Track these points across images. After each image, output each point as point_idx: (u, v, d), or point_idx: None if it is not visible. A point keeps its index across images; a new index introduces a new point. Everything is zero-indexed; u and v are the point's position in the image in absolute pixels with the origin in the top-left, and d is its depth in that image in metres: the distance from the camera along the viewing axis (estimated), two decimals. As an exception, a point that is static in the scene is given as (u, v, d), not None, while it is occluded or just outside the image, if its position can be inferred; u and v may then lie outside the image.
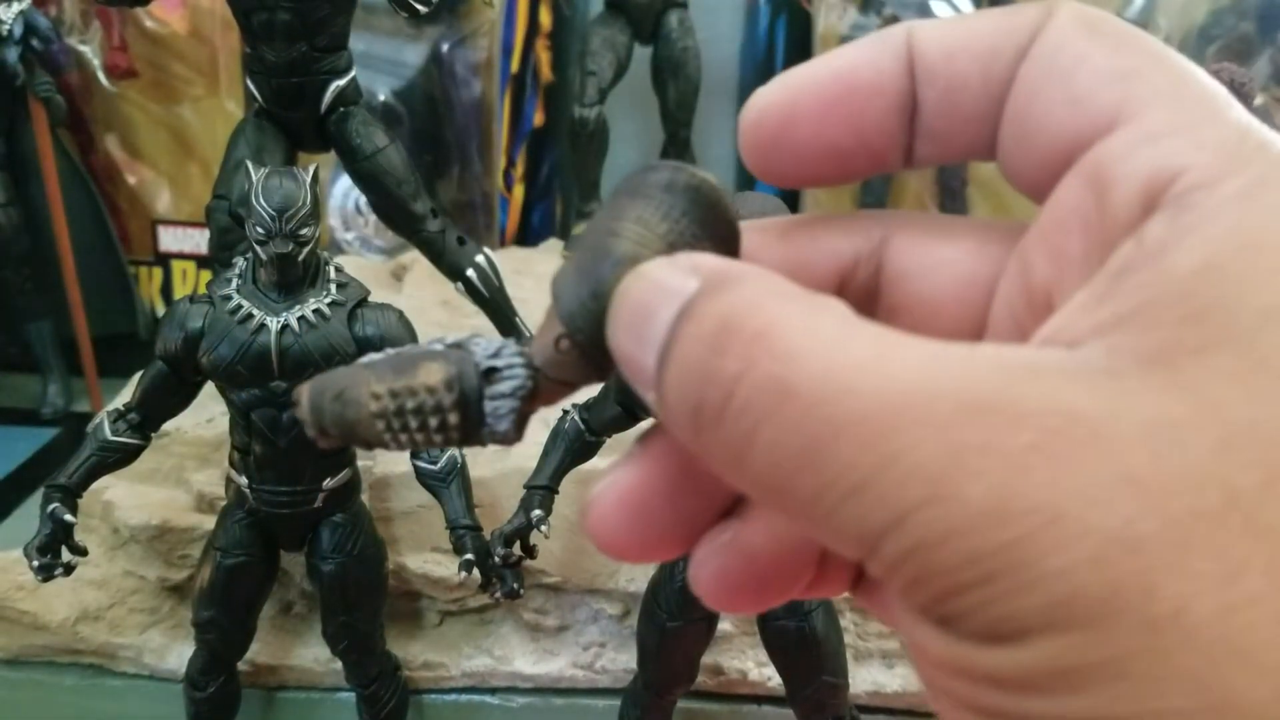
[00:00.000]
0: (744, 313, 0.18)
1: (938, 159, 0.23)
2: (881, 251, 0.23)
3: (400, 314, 0.75)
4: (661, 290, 0.19)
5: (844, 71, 0.22)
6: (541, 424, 0.93)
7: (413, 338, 0.76)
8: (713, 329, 0.18)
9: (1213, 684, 0.15)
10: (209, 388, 0.75)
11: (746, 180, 1.42)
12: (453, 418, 0.22)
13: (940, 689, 0.18)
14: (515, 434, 0.22)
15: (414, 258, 1.11)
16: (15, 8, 1.12)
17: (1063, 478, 0.16)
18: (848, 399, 0.17)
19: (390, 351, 0.22)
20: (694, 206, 0.22)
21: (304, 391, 0.22)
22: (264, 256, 0.70)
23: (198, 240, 1.25)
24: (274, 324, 0.71)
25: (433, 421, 0.22)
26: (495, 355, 0.22)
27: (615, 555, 0.23)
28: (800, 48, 1.32)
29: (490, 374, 0.22)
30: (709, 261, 0.20)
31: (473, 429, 0.22)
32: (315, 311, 0.71)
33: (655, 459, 0.22)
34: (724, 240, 0.22)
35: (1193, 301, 0.17)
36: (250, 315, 0.71)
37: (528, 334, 0.76)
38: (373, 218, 1.17)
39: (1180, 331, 0.17)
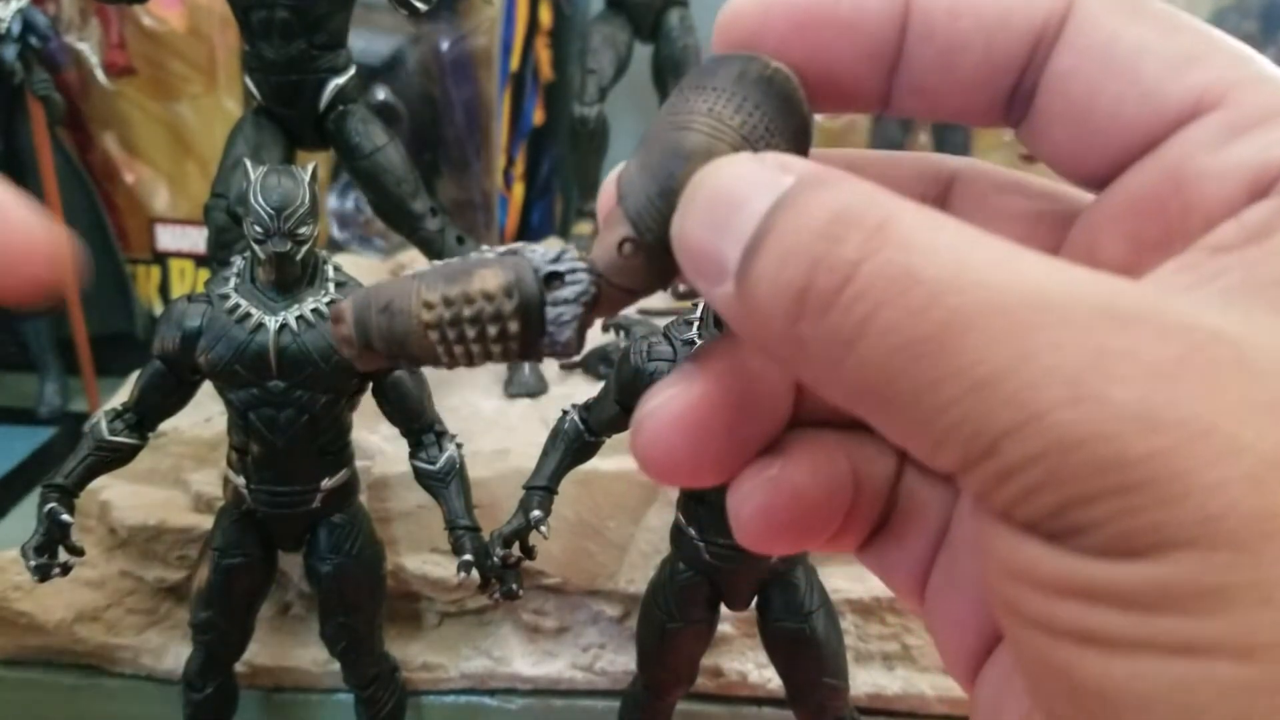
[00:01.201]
0: (863, 204, 0.17)
1: (920, 114, 0.22)
2: (946, 197, 0.23)
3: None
4: (751, 181, 0.19)
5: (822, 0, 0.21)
6: (541, 424, 0.92)
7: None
8: (826, 218, 0.17)
9: None
10: (207, 387, 0.75)
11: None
12: (513, 326, 0.21)
13: (1032, 618, 0.17)
14: (577, 344, 0.21)
15: (412, 256, 1.11)
16: (13, 5, 1.12)
17: (1214, 394, 0.15)
18: (981, 291, 0.16)
19: (438, 263, 0.21)
20: (768, 99, 0.21)
21: (346, 307, 0.21)
22: (262, 255, 0.70)
23: (195, 239, 1.24)
24: (272, 323, 0.70)
25: (492, 330, 0.21)
26: (556, 260, 0.21)
27: (663, 476, 0.22)
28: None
29: (550, 280, 0.21)
30: (799, 162, 0.19)
31: (534, 338, 0.21)
32: (314, 310, 0.71)
33: (716, 376, 0.21)
34: (798, 135, 0.21)
35: None
36: (248, 314, 0.70)
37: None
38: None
39: None
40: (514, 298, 0.20)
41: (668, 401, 0.21)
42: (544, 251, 0.21)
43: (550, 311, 0.21)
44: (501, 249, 0.21)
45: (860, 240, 0.17)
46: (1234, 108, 0.19)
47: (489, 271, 0.21)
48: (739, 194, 0.19)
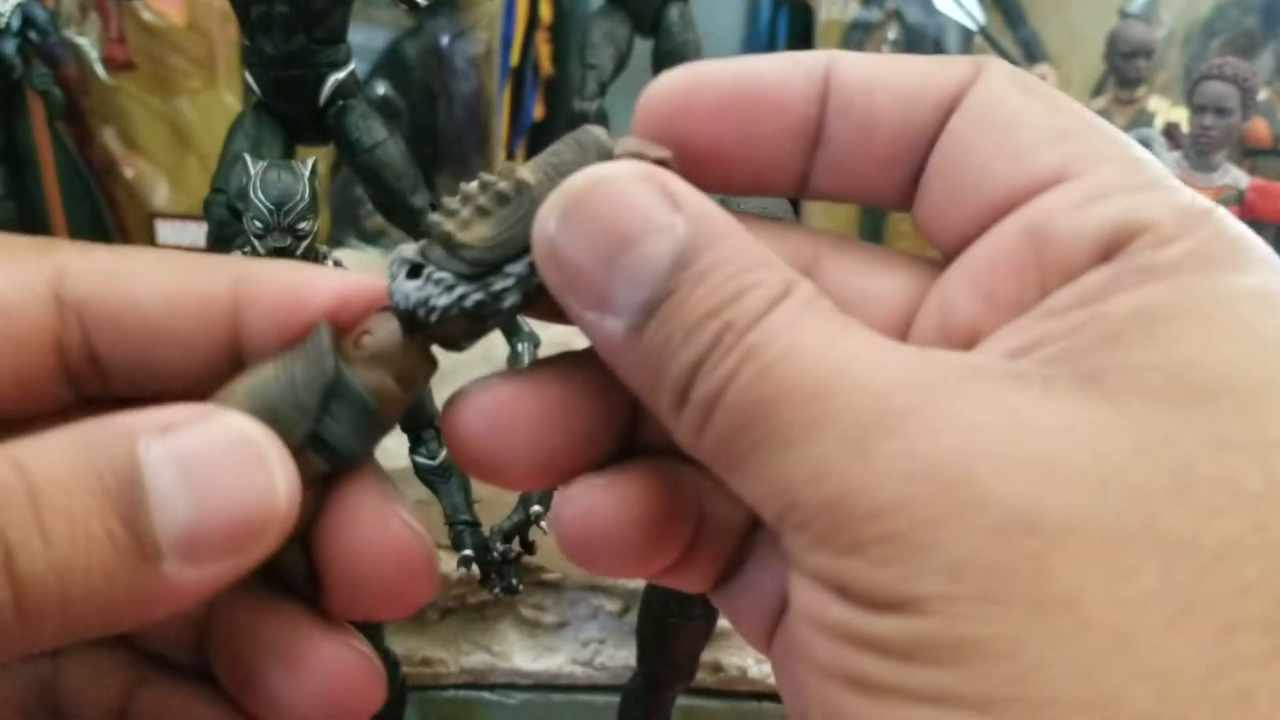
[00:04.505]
0: (753, 287, 0.19)
1: (836, 194, 0.23)
2: (811, 272, 0.23)
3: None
4: (641, 212, 0.19)
5: (748, 77, 0.22)
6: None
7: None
8: (724, 299, 0.19)
9: (1099, 679, 0.15)
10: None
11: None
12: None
13: (818, 664, 0.18)
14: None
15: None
16: (13, 0, 1.12)
17: (975, 447, 0.16)
18: (798, 363, 0.18)
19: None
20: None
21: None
22: (262, 250, 0.70)
23: (196, 234, 1.24)
24: (272, 318, 0.70)
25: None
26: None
27: (470, 467, 0.23)
28: (802, 41, 1.31)
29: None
30: (681, 190, 0.20)
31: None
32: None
33: (538, 378, 0.22)
34: None
35: (1127, 335, 0.17)
36: (248, 309, 0.70)
37: (528, 329, 0.76)
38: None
39: (1111, 356, 0.17)
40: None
41: (477, 391, 0.22)
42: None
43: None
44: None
45: (745, 326, 0.18)
46: (1099, 176, 0.19)
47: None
48: (629, 227, 0.19)
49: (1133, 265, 0.18)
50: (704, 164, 0.22)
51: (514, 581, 0.72)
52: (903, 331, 0.22)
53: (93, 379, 0.22)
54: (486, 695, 0.89)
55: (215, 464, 0.19)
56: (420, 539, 0.23)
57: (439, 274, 0.22)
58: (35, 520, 0.17)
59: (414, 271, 0.22)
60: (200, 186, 1.14)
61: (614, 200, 0.19)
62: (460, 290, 0.22)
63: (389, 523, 0.23)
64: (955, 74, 0.21)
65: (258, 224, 0.69)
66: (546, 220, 0.20)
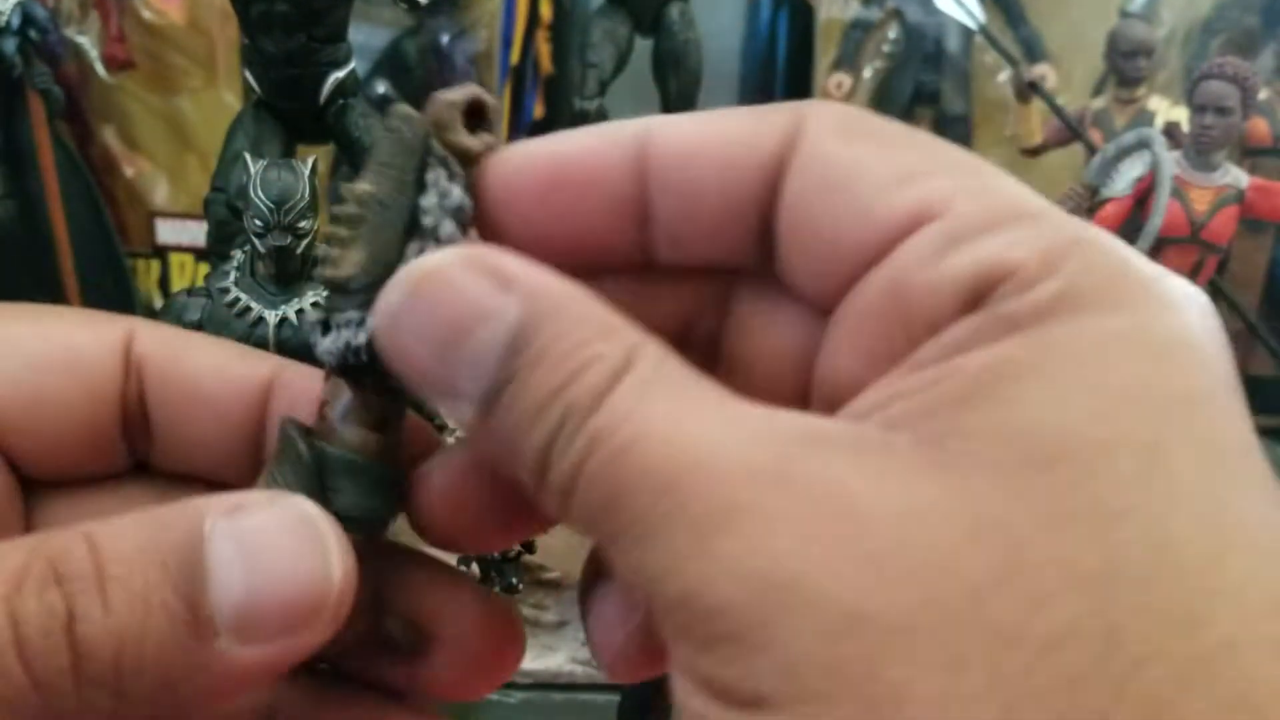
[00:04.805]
0: (593, 361, 0.18)
1: (685, 264, 0.22)
2: (724, 318, 0.23)
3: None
4: (471, 302, 0.19)
5: (566, 157, 0.22)
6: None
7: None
8: (563, 379, 0.18)
9: None
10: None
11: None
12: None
13: None
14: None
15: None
16: (12, -1, 1.12)
17: (809, 544, 0.16)
18: (643, 451, 0.17)
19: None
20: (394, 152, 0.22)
21: None
22: (262, 249, 0.70)
23: (195, 233, 1.24)
24: (272, 317, 0.70)
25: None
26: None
27: (453, 547, 0.24)
28: (802, 40, 1.32)
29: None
30: (513, 267, 0.19)
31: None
32: (314, 305, 0.71)
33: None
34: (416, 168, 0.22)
35: (974, 397, 0.17)
36: (248, 308, 0.70)
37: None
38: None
39: (956, 419, 0.17)
40: None
41: (435, 473, 0.23)
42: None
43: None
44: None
45: (588, 404, 0.18)
46: (952, 218, 0.18)
47: None
48: (460, 318, 0.19)
49: (995, 315, 0.17)
50: (548, 245, 0.21)
51: (513, 580, 0.72)
52: (807, 376, 0.22)
53: (143, 439, 0.24)
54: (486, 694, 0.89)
55: (273, 543, 0.19)
56: (511, 604, 0.25)
57: (343, 317, 0.22)
58: (98, 589, 0.18)
59: (325, 328, 0.22)
60: (200, 185, 1.14)
61: (442, 292, 0.19)
62: (370, 320, 0.21)
63: (481, 592, 0.25)
64: (774, 132, 0.20)
65: (258, 223, 0.69)
66: (382, 320, 0.20)
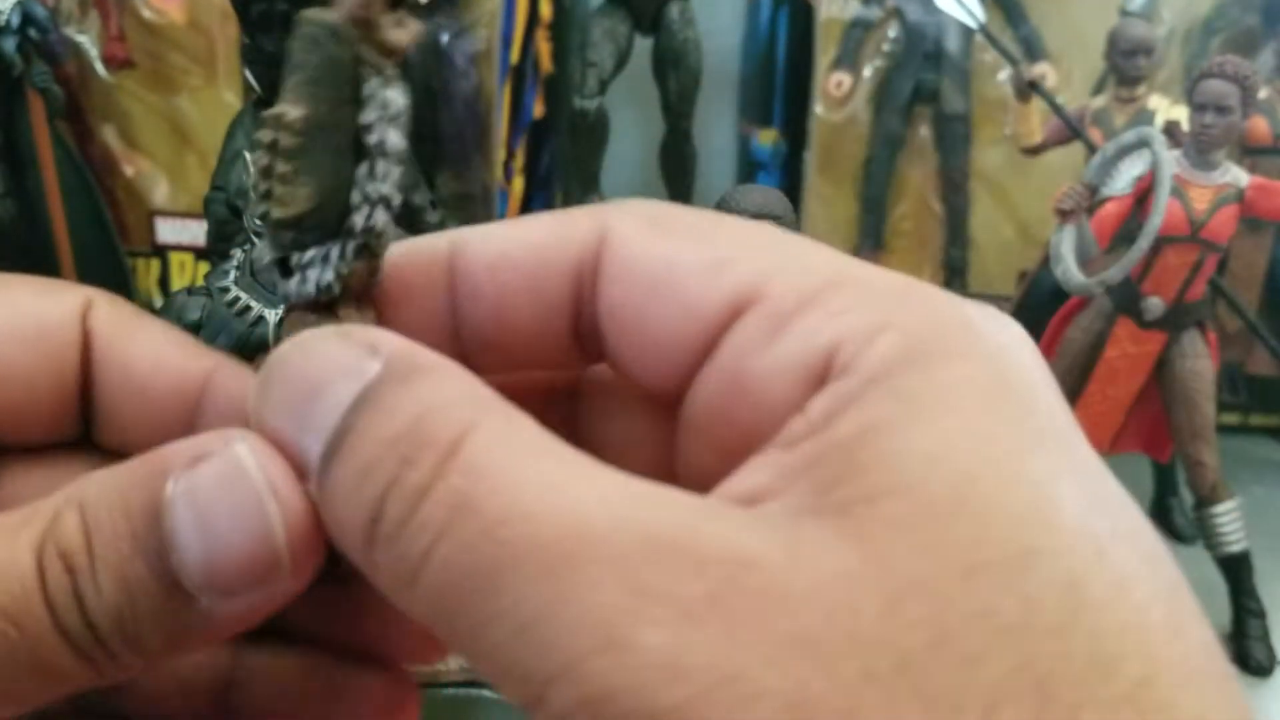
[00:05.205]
0: (441, 414, 0.17)
1: (502, 368, 0.22)
2: (579, 395, 0.23)
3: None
4: (333, 365, 0.18)
5: (395, 267, 0.21)
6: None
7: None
8: (403, 428, 0.17)
9: None
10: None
11: (748, 173, 1.42)
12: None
13: None
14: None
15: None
16: (12, -2, 1.12)
17: (737, 633, 0.15)
18: (526, 524, 0.16)
19: None
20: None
21: None
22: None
23: (195, 232, 1.24)
24: (272, 316, 0.70)
25: None
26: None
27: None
28: (802, 39, 1.32)
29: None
30: (390, 341, 0.18)
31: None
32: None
33: None
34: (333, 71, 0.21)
35: (859, 458, 0.16)
36: (248, 308, 0.70)
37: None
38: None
39: (849, 486, 0.16)
40: None
41: None
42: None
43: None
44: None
45: (432, 461, 0.16)
46: (771, 300, 0.18)
47: None
48: (319, 379, 0.18)
49: (848, 381, 0.17)
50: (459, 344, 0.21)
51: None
52: (665, 464, 0.21)
53: (90, 410, 0.23)
54: (485, 694, 0.89)
55: (218, 502, 0.18)
56: None
57: (305, 257, 0.21)
58: (90, 568, 0.18)
59: (285, 271, 0.21)
60: (200, 184, 1.14)
61: (307, 359, 0.19)
62: (334, 251, 0.20)
63: None
64: (578, 238, 0.20)
65: (258, 222, 0.69)
66: (249, 400, 0.19)
